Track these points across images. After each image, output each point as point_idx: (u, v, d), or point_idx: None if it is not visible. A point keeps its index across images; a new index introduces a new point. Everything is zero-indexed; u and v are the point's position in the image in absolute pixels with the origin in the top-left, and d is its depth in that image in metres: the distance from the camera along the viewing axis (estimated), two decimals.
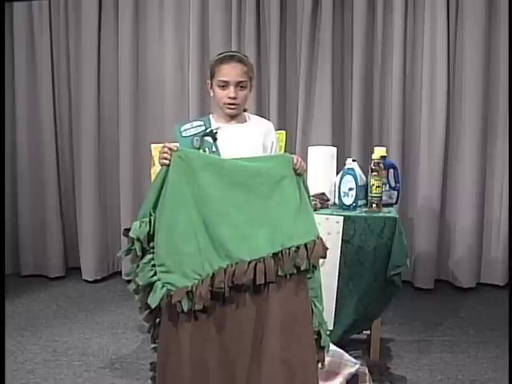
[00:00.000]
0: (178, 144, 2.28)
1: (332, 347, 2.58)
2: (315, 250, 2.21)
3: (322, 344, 2.31)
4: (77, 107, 4.40)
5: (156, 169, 3.20)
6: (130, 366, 3.08)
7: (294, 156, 2.29)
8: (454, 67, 4.19)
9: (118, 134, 4.40)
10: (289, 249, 2.17)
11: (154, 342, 2.39)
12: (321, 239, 2.26)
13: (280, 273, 2.15)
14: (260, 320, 2.15)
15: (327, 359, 2.50)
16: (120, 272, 4.51)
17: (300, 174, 2.28)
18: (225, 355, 2.17)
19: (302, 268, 2.18)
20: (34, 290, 4.23)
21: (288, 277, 2.16)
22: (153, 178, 3.24)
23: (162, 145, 2.24)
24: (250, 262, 2.13)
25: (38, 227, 4.47)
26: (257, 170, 2.22)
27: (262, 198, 2.20)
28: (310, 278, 2.26)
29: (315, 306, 2.29)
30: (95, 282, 4.42)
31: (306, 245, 2.19)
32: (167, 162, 2.19)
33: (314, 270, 2.27)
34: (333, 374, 2.64)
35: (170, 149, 2.20)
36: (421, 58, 4.17)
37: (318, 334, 2.29)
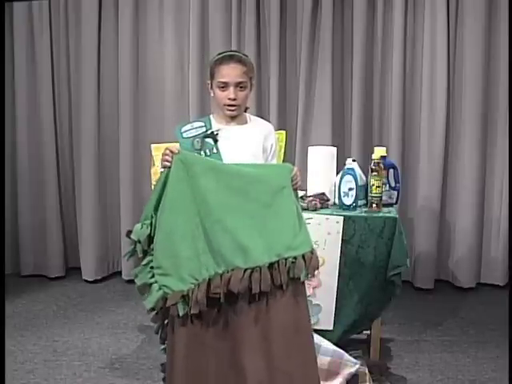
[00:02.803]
0: (179, 146, 2.28)
1: (332, 347, 2.58)
2: (312, 260, 2.20)
3: None
4: (77, 107, 4.40)
5: (156, 169, 3.21)
6: (129, 366, 3.08)
7: (294, 168, 2.30)
8: (454, 65, 4.19)
9: (118, 133, 4.39)
10: (286, 259, 2.15)
11: (163, 343, 2.38)
12: (315, 251, 2.26)
13: (276, 283, 2.13)
14: (259, 329, 2.13)
15: (327, 359, 2.50)
16: (120, 272, 4.50)
17: (295, 188, 2.28)
18: (221, 363, 2.15)
19: (302, 279, 2.17)
20: (34, 290, 4.23)
21: (285, 287, 2.14)
22: (153, 178, 3.27)
23: (163, 145, 2.25)
24: (245, 270, 2.11)
25: (38, 227, 4.47)
26: (257, 178, 2.21)
27: (262, 206, 2.19)
28: None
29: None
30: (95, 282, 4.41)
31: (303, 256, 2.18)
32: (169, 164, 2.19)
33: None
34: (333, 374, 2.64)
35: (172, 151, 2.19)
36: (421, 56, 4.17)
37: None
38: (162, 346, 2.42)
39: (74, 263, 4.58)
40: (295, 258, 2.16)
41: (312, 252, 2.22)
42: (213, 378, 2.17)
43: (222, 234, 2.14)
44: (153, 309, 2.23)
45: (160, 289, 2.16)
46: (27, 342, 3.34)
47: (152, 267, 2.19)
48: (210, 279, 2.12)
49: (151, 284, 2.18)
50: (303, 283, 2.22)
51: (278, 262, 2.14)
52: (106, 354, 3.22)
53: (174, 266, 2.16)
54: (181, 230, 2.16)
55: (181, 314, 2.12)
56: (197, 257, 2.15)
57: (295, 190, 2.29)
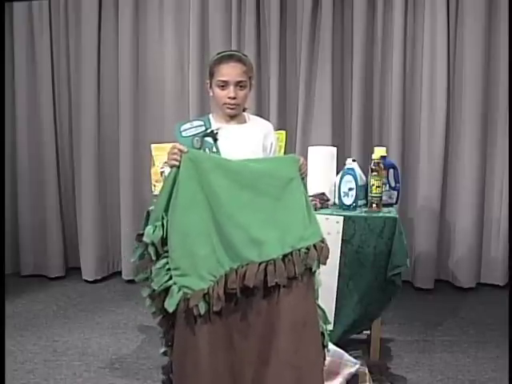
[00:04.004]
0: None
1: (332, 347, 2.58)
2: (324, 250, 2.21)
3: (324, 344, 2.31)
4: (77, 107, 4.40)
5: (156, 169, 3.21)
6: (129, 366, 3.08)
7: (301, 157, 2.30)
8: (454, 65, 4.19)
9: (117, 133, 4.40)
10: (299, 250, 2.15)
11: (168, 346, 2.33)
12: (325, 240, 2.26)
13: (290, 274, 2.12)
14: (270, 322, 2.13)
15: (327, 359, 2.50)
16: (120, 272, 4.50)
17: (303, 178, 2.28)
18: (241, 357, 2.15)
19: (314, 269, 2.17)
20: (34, 290, 4.23)
21: (300, 278, 2.14)
22: (153, 177, 3.26)
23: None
24: (260, 264, 2.10)
25: (38, 227, 4.47)
26: (266, 172, 2.21)
27: (272, 199, 2.19)
28: None
29: (319, 307, 2.29)
30: (95, 282, 4.41)
31: (315, 245, 2.19)
32: (177, 163, 2.15)
33: (315, 273, 2.27)
34: (333, 374, 2.64)
35: (181, 150, 2.16)
36: (421, 56, 4.18)
37: (321, 334, 2.30)
38: (163, 349, 2.37)
39: (74, 263, 4.58)
40: (308, 248, 2.17)
41: (323, 242, 2.23)
42: (236, 372, 2.16)
43: (234, 230, 2.13)
44: (163, 312, 2.20)
45: (180, 290, 2.12)
46: (27, 342, 3.34)
47: (169, 269, 2.15)
48: (226, 275, 2.11)
49: (170, 287, 2.14)
50: (313, 276, 2.22)
51: (291, 253, 2.14)
52: (105, 354, 3.22)
53: (192, 266, 2.13)
54: (196, 229, 2.14)
55: (202, 312, 2.10)
56: (213, 254, 2.13)
57: (303, 178, 2.29)
